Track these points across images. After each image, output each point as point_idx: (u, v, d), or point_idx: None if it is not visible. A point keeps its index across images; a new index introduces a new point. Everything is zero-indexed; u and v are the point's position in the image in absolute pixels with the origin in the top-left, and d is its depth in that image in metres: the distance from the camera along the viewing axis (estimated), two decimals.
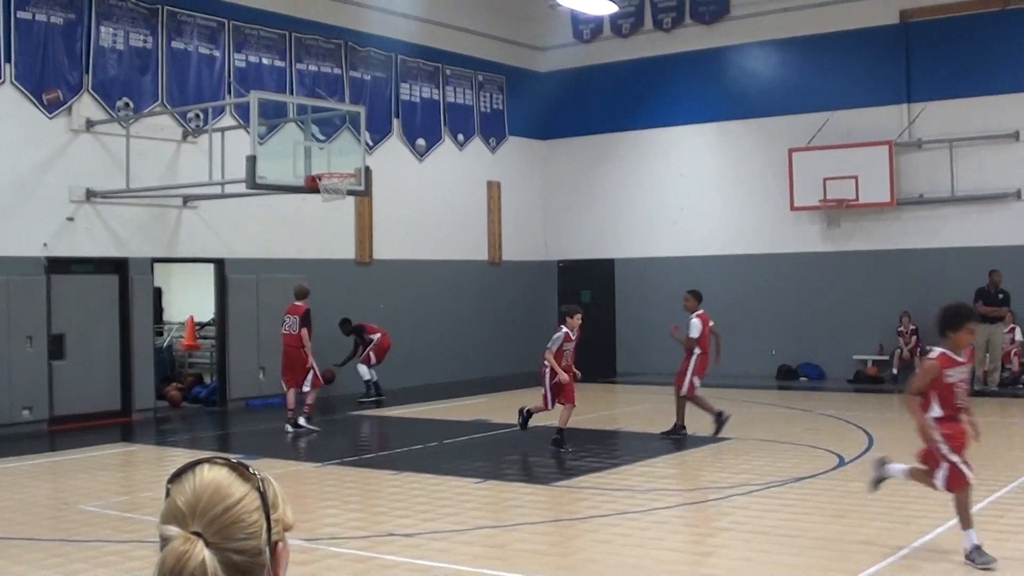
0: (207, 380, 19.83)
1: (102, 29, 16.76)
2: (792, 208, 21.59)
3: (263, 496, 1.84)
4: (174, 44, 17.76)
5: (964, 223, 20.20)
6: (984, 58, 20.00)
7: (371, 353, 19.05)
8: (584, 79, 24.59)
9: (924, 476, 7.80)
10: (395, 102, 21.75)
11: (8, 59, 15.68)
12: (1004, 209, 19.83)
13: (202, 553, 1.74)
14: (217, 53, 18.43)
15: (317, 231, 19.87)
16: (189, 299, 22.42)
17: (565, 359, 13.16)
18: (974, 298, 18.89)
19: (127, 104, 17.03)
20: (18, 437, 14.97)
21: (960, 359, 7.66)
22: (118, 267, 17.04)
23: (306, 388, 15.50)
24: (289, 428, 15.31)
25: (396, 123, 21.77)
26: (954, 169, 20.16)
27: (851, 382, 20.59)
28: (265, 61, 19.20)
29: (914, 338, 20.29)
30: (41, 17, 16.00)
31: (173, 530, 1.77)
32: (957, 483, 7.49)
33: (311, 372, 15.50)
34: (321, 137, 17.20)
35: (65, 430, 15.67)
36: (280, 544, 1.86)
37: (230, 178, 15.62)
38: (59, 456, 13.87)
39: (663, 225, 23.56)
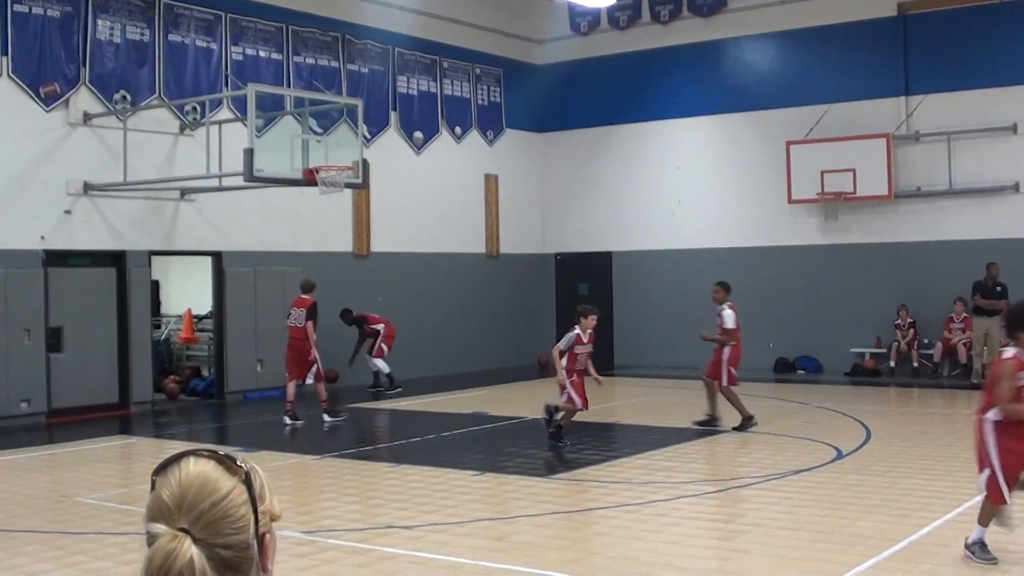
0: (205, 373, 19.85)
1: (99, 22, 16.73)
2: (790, 201, 21.59)
3: (250, 488, 1.82)
4: (171, 37, 17.74)
5: (962, 216, 20.20)
6: (982, 51, 19.99)
7: (382, 344, 19.18)
8: (581, 72, 24.57)
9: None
10: (392, 95, 21.73)
11: (5, 52, 15.65)
12: (1002, 202, 19.83)
13: (190, 550, 1.72)
14: (214, 46, 18.40)
15: (315, 224, 19.87)
16: (187, 292, 22.42)
17: (579, 363, 12.70)
18: (972, 291, 18.92)
19: (124, 97, 17.01)
20: (16, 430, 14.98)
21: None
22: (116, 260, 17.03)
23: (309, 381, 15.53)
24: (287, 420, 15.32)
25: (393, 116, 21.75)
26: (952, 162, 20.16)
27: (848, 375, 20.62)
28: (262, 54, 19.17)
29: (911, 331, 20.32)
30: (38, 10, 15.97)
31: (160, 527, 1.75)
32: (995, 496, 7.30)
33: (314, 366, 15.53)
34: (318, 130, 17.18)
35: (63, 423, 15.67)
36: (267, 536, 1.85)
37: (227, 171, 15.61)
38: (57, 448, 13.89)
39: (661, 218, 23.56)
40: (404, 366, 19.79)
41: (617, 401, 18.07)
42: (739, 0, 22.57)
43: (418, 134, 22.20)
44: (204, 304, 20.39)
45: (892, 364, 20.38)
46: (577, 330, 12.65)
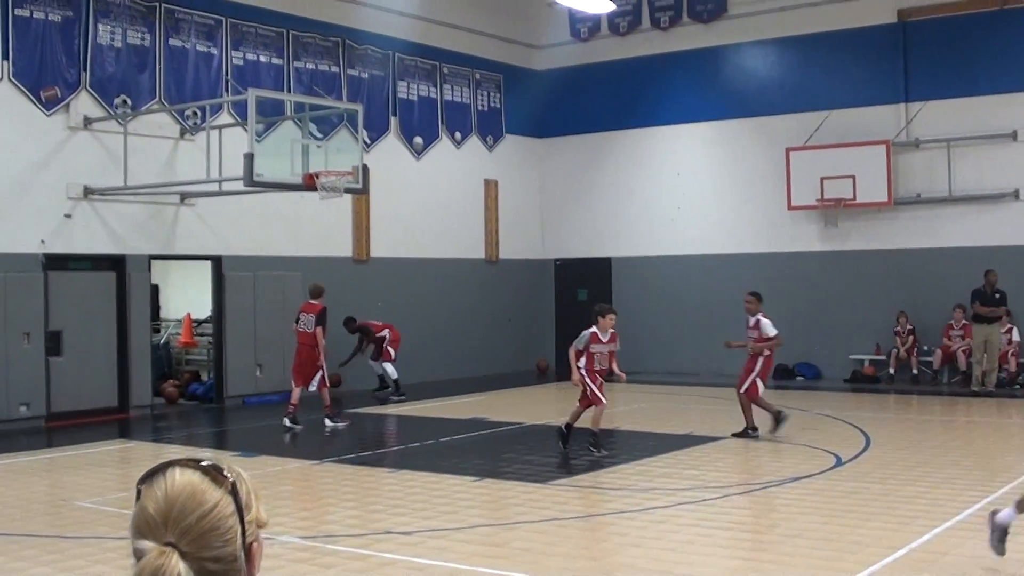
0: (204, 377, 19.83)
1: (100, 26, 16.75)
2: (789, 207, 21.60)
3: (236, 498, 1.81)
4: (172, 42, 17.75)
5: (962, 223, 20.20)
6: (982, 58, 20.01)
7: (389, 348, 19.25)
8: (581, 77, 24.59)
9: None
10: (392, 100, 21.75)
11: (6, 56, 15.66)
12: (1002, 209, 19.84)
13: (177, 566, 1.72)
14: (215, 51, 18.42)
15: (314, 229, 19.87)
16: (186, 296, 22.40)
17: (598, 363, 12.67)
18: (970, 299, 18.90)
19: (125, 101, 17.02)
20: (15, 433, 14.97)
21: None
22: (115, 264, 17.03)
23: (313, 387, 15.53)
24: (287, 423, 15.31)
25: (393, 121, 21.76)
26: (952, 169, 20.17)
27: (847, 382, 20.61)
28: (263, 59, 19.19)
29: (911, 338, 20.32)
30: (39, 14, 15.99)
31: (147, 544, 1.75)
32: None
33: (320, 372, 15.53)
34: (319, 135, 17.19)
35: (62, 426, 15.66)
36: (254, 544, 1.84)
37: (228, 176, 15.61)
38: (56, 452, 13.87)
39: (660, 224, 23.56)
40: (404, 371, 19.77)
41: (617, 407, 18.04)
42: (739, 6, 22.59)
43: (418, 139, 22.22)
44: (204, 308, 20.38)
45: (891, 371, 20.38)
46: (593, 328, 12.69)
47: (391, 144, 21.61)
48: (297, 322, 15.92)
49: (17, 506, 10.28)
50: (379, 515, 9.66)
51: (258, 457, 12.89)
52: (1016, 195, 19.69)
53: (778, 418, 13.71)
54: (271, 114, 17.19)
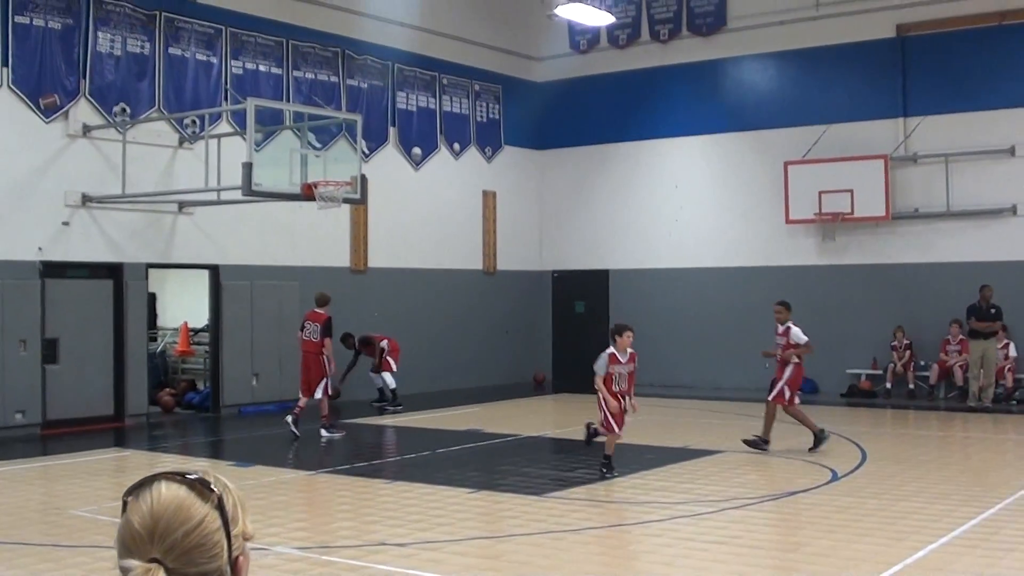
0: (200, 386, 19.80)
1: (100, 34, 16.76)
2: (787, 221, 21.61)
3: (223, 513, 1.81)
4: (171, 50, 17.77)
5: (959, 238, 20.23)
6: (980, 73, 20.05)
7: (388, 358, 19.27)
8: (580, 89, 24.62)
9: None
10: (391, 110, 21.77)
11: (5, 63, 15.68)
12: (999, 224, 19.86)
13: None
14: (214, 60, 18.44)
15: (312, 238, 19.88)
16: (183, 305, 22.38)
17: (617, 384, 12.09)
18: (966, 315, 18.91)
19: (124, 109, 17.03)
20: (11, 441, 14.94)
21: None
22: (113, 272, 17.02)
23: (318, 395, 15.51)
24: (288, 420, 15.32)
25: (392, 131, 21.78)
26: (950, 184, 20.20)
27: (844, 396, 20.60)
28: (262, 68, 19.21)
29: (908, 352, 20.32)
30: (39, 22, 16.01)
31: (132, 563, 1.74)
32: None
33: (325, 380, 15.52)
34: (317, 145, 17.19)
35: (58, 434, 15.64)
36: (240, 558, 1.84)
37: (226, 184, 15.62)
38: (52, 460, 13.85)
39: (658, 236, 23.58)
40: (400, 382, 19.76)
41: None
42: (738, 20, 22.64)
43: (416, 150, 22.23)
44: (200, 317, 20.36)
45: (888, 386, 20.38)
46: (610, 350, 12.18)
47: (390, 154, 21.62)
48: (302, 329, 15.91)
49: (12, 514, 10.25)
50: (374, 526, 9.64)
51: (254, 467, 12.87)
52: (1014, 210, 19.71)
53: (819, 437, 13.64)
54: (270, 123, 17.20)
